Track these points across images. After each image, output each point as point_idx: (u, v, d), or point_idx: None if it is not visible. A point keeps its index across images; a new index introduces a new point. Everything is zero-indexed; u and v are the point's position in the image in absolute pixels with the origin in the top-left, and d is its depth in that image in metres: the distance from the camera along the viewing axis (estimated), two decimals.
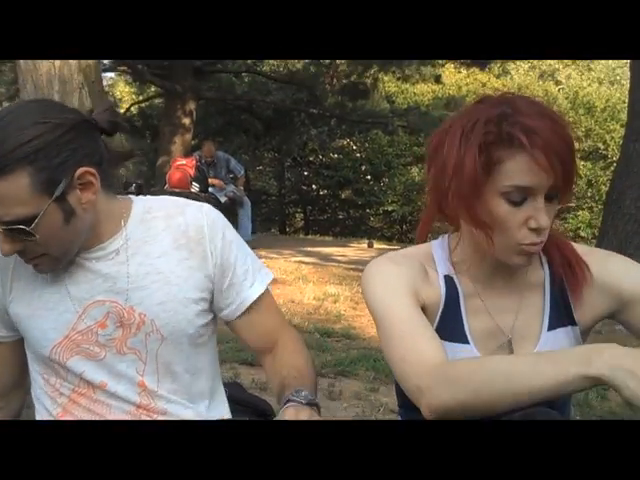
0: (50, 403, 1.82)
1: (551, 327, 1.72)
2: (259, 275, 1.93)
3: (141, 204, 1.83)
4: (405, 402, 1.85)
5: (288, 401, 1.65)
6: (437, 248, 1.79)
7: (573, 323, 1.73)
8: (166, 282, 1.76)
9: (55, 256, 1.67)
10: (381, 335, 1.67)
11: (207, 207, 1.87)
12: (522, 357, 1.45)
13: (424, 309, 1.69)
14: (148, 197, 1.88)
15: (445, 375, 1.50)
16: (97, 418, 1.77)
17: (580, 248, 1.78)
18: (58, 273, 1.74)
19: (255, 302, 1.89)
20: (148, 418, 1.79)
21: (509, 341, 1.72)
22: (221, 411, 1.94)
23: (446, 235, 1.81)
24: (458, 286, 1.74)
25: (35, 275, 1.74)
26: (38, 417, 1.86)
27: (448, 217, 1.74)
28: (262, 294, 1.90)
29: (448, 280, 1.74)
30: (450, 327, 1.72)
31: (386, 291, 1.68)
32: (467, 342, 1.71)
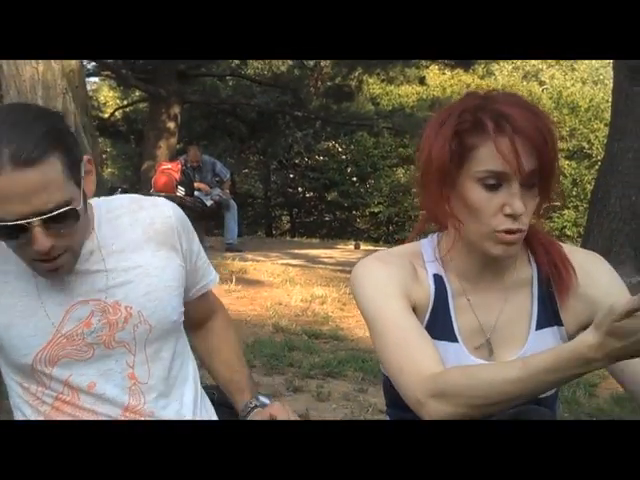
0: (31, 412, 1.78)
1: (539, 326, 1.72)
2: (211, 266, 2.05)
3: (100, 206, 1.83)
4: (393, 401, 1.86)
5: (255, 406, 1.92)
6: (426, 247, 1.78)
7: (560, 323, 1.73)
8: (146, 274, 1.78)
9: (75, 250, 1.67)
10: (375, 340, 1.67)
11: (166, 201, 1.91)
12: (519, 370, 1.44)
13: (414, 309, 1.70)
14: (102, 198, 1.88)
15: (444, 389, 1.52)
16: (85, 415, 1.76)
17: (567, 248, 1.78)
18: (33, 280, 1.72)
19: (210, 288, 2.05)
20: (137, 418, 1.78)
21: (487, 341, 1.72)
22: (206, 401, 1.97)
23: (435, 234, 1.81)
24: (447, 285, 1.74)
25: (7, 284, 1.72)
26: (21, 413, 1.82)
27: (431, 215, 1.75)
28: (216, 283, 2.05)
29: (437, 279, 1.74)
30: (439, 326, 1.72)
31: (377, 293, 1.68)
32: (456, 340, 1.71)
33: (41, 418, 1.76)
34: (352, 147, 21.88)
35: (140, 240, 1.80)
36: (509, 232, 1.58)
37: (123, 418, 1.76)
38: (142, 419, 1.77)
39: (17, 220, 1.52)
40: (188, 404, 1.86)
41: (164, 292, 1.80)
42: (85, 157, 1.65)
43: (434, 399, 1.51)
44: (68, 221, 1.58)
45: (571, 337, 1.73)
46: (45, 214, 1.54)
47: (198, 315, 2.04)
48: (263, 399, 1.98)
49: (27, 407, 1.79)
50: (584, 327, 1.72)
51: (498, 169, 1.55)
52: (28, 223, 1.53)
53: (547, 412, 1.53)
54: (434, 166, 1.61)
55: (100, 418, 1.75)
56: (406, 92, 21.80)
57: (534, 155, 1.54)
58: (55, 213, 1.54)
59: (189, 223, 1.92)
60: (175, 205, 1.90)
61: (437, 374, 1.54)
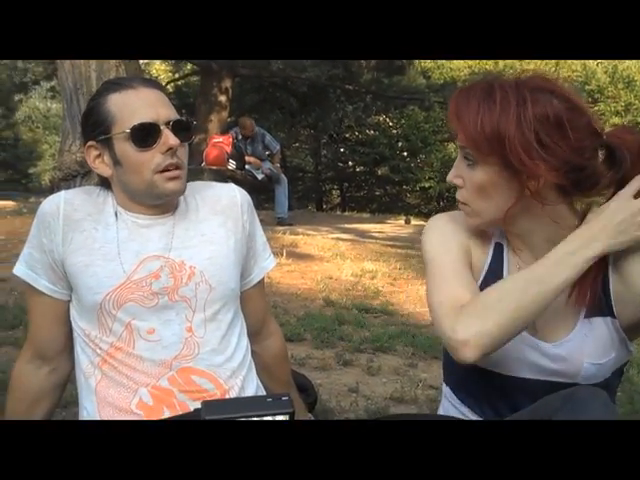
0: (91, 352, 1.96)
1: (588, 315, 1.71)
2: (269, 250, 2.25)
3: None
4: (451, 378, 1.88)
5: None
6: None
7: (612, 315, 1.71)
8: (210, 242, 2.03)
9: (186, 170, 1.97)
10: (427, 279, 1.77)
11: (233, 184, 2.18)
12: (537, 265, 1.61)
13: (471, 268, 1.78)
14: None
15: (473, 307, 1.59)
16: (130, 371, 1.92)
17: None
18: (115, 232, 1.96)
19: (264, 275, 2.23)
20: (183, 364, 1.93)
21: (533, 322, 1.71)
22: (252, 376, 2.11)
23: None
24: (505, 255, 1.78)
25: (96, 231, 1.95)
26: (79, 370, 2.00)
27: None
28: (269, 270, 2.24)
29: (498, 247, 1.80)
30: None
31: (440, 241, 1.79)
32: None
33: (98, 360, 1.95)
34: (403, 121, 21.79)
35: (209, 213, 2.06)
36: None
37: (171, 364, 1.92)
38: (187, 365, 1.93)
39: (153, 121, 1.88)
40: (237, 359, 2.03)
41: (225, 259, 2.02)
42: None
43: (464, 319, 1.57)
44: (188, 132, 1.95)
45: (625, 330, 1.73)
46: (171, 121, 1.90)
47: (258, 314, 2.25)
48: None
49: (89, 349, 1.96)
50: (637, 320, 1.70)
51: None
52: (158, 123, 1.88)
53: (602, 392, 1.52)
54: None
55: (146, 365, 1.91)
56: (458, 65, 21.63)
57: (461, 130, 1.63)
58: (181, 118, 1.93)
59: (252, 205, 2.16)
60: (242, 189, 2.14)
61: (468, 301, 1.63)
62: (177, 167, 1.91)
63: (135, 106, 1.89)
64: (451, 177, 1.69)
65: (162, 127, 1.88)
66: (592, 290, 1.70)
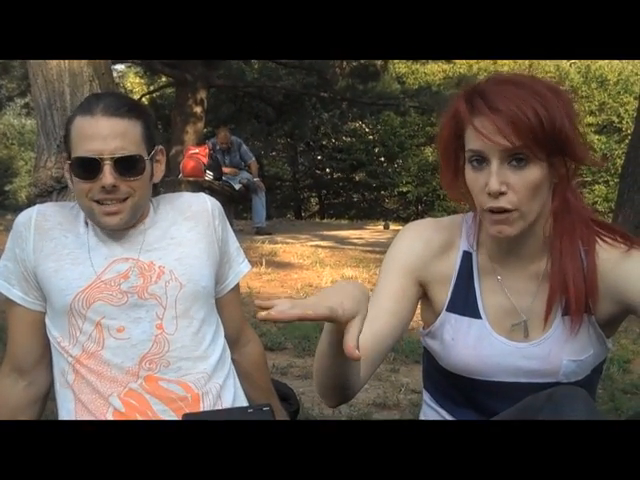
0: (62, 359, 1.98)
1: (565, 313, 1.70)
2: (243, 255, 2.26)
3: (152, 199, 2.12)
4: (430, 384, 1.89)
5: None
6: (467, 222, 1.80)
7: (589, 311, 1.70)
8: (179, 244, 2.05)
9: (133, 207, 1.94)
10: None
11: (204, 194, 2.21)
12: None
13: (431, 284, 1.78)
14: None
15: None
16: (98, 379, 1.94)
17: (606, 233, 1.72)
18: (86, 239, 2.00)
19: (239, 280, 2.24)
20: (148, 372, 1.95)
21: (525, 322, 1.72)
22: (231, 383, 2.10)
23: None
24: (474, 263, 1.76)
25: (66, 238, 1.99)
26: (57, 370, 2.02)
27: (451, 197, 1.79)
28: (244, 274, 2.24)
29: (466, 256, 1.77)
30: (462, 302, 1.75)
31: (391, 260, 1.82)
32: (479, 317, 1.74)
33: (72, 360, 1.97)
34: (379, 127, 21.86)
35: (179, 219, 2.09)
36: (493, 211, 1.58)
37: (136, 369, 1.94)
38: (154, 371, 1.95)
39: (93, 156, 1.86)
40: (213, 359, 2.04)
41: (195, 260, 2.04)
42: (160, 147, 2.06)
43: None
44: (135, 169, 1.91)
45: (602, 326, 1.72)
46: (114, 158, 1.86)
47: (235, 322, 2.24)
48: None
49: (62, 359, 1.98)
50: (614, 317, 1.71)
51: (476, 147, 1.57)
52: (100, 159, 1.86)
53: (582, 391, 1.52)
54: (440, 151, 1.68)
55: (114, 372, 1.94)
56: (432, 70, 21.71)
57: (514, 130, 1.52)
58: (126, 154, 1.88)
59: (223, 213, 2.18)
60: (213, 198, 2.17)
61: None
62: (120, 201, 1.92)
63: (85, 136, 1.89)
64: (498, 185, 1.54)
65: (103, 163, 1.87)
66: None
